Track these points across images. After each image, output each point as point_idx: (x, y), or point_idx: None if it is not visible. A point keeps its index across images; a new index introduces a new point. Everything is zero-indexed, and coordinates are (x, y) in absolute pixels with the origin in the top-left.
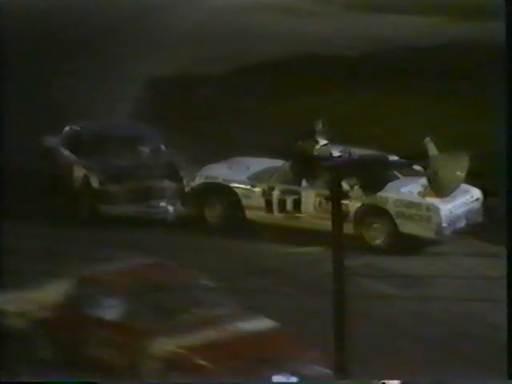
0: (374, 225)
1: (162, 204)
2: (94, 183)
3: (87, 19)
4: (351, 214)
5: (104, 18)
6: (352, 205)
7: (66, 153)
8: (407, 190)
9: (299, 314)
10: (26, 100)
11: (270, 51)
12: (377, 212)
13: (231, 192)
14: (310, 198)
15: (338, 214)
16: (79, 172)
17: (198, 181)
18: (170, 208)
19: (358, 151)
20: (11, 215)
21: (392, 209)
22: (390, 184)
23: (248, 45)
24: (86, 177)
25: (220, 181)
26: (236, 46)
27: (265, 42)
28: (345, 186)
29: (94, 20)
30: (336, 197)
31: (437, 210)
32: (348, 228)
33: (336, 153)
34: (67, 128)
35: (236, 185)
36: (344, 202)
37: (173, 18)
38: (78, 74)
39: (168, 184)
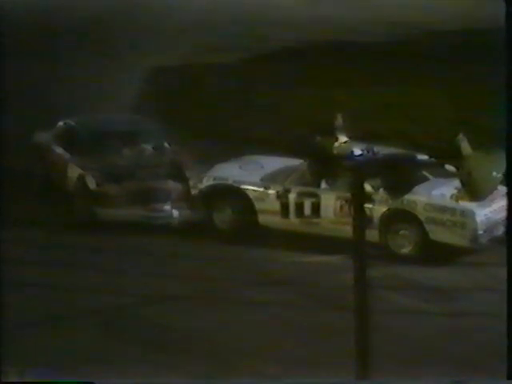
0: (401, 232)
1: (166, 207)
2: (91, 184)
3: (84, 7)
4: (375, 220)
5: (102, 4)
6: (376, 209)
7: (60, 150)
8: (439, 192)
9: (316, 329)
10: (13, 93)
11: (284, 38)
12: (404, 217)
13: (243, 194)
14: (330, 201)
15: (360, 220)
16: (74, 172)
17: (206, 182)
18: (175, 212)
19: (382, 149)
20: None
21: (422, 214)
22: (419, 186)
23: (260, 31)
24: (81, 177)
25: (230, 182)
26: (247, 32)
27: (279, 28)
28: (368, 187)
29: (91, 7)
30: (358, 200)
31: (472, 215)
32: (372, 235)
33: (358, 151)
34: (61, 123)
35: (248, 187)
36: (367, 205)
37: (176, 1)
38: (73, 65)
39: (172, 185)
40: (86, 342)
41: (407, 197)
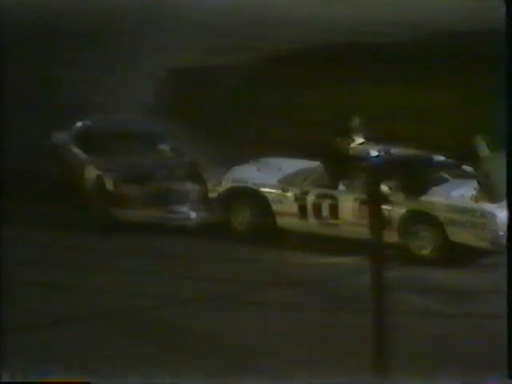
0: (421, 233)
1: (184, 209)
2: (109, 185)
3: (99, 9)
4: (394, 221)
5: (117, 6)
6: (395, 210)
7: (77, 151)
8: (458, 193)
9: (333, 331)
10: (30, 94)
11: (298, 39)
12: (423, 219)
13: (261, 197)
14: (348, 203)
15: (377, 221)
16: (92, 172)
17: (225, 184)
18: (193, 213)
19: (399, 150)
20: (13, 221)
21: (441, 215)
22: (437, 187)
23: (274, 32)
24: (99, 178)
25: (249, 184)
26: (261, 33)
27: (293, 28)
28: (384, 189)
29: (106, 9)
30: (374, 201)
31: (493, 216)
32: (391, 236)
33: (374, 152)
34: (78, 123)
35: (266, 189)
36: (385, 207)
37: (189, 3)
38: (90, 66)
39: (190, 187)
40: (104, 343)
41: (425, 198)
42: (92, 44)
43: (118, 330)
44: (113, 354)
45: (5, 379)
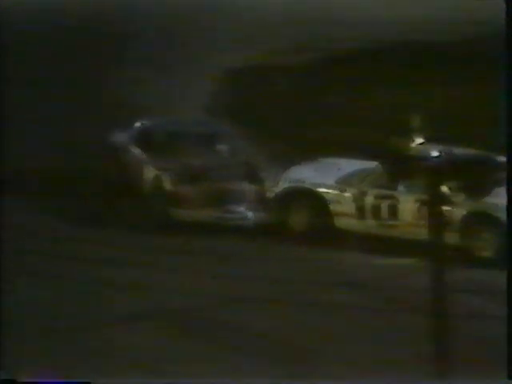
0: (483, 235)
1: (241, 209)
2: (167, 185)
3: (159, 7)
4: (455, 222)
5: (176, 5)
6: (456, 212)
7: (136, 151)
8: None
9: (391, 333)
10: (88, 94)
11: (357, 38)
12: (485, 220)
13: (319, 197)
14: (408, 203)
15: (437, 222)
16: (150, 172)
17: (282, 185)
18: (250, 213)
19: (460, 151)
20: (73, 220)
21: (504, 216)
22: (501, 188)
23: (333, 31)
24: (157, 178)
25: (306, 184)
26: (320, 32)
27: (352, 27)
28: (445, 189)
29: (166, 7)
30: (435, 202)
31: None
32: (451, 238)
33: (435, 152)
34: (137, 124)
35: (324, 189)
36: (446, 208)
37: (252, 3)
38: (150, 67)
39: (247, 187)
40: (162, 342)
41: (488, 199)
42: (153, 44)
43: (173, 329)
44: (169, 353)
45: (5, 379)
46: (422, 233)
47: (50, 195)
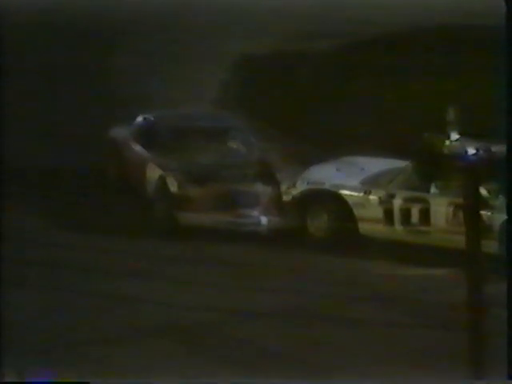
0: None
1: (255, 213)
2: (172, 186)
3: None
4: (495, 229)
5: None
6: (496, 216)
7: (138, 148)
8: None
9: (421, 352)
10: (85, 87)
11: (386, 22)
12: None
13: (341, 200)
14: (441, 207)
15: (475, 228)
16: (154, 172)
17: (300, 186)
18: (264, 218)
19: (499, 148)
20: (68, 224)
21: None
22: None
23: (359, 14)
24: (162, 178)
25: (327, 186)
26: (344, 16)
27: (380, 10)
28: (483, 191)
29: None
30: (472, 206)
31: None
32: (490, 246)
33: (472, 150)
34: (139, 118)
35: (347, 191)
36: (485, 212)
37: None
38: (153, 54)
39: (261, 188)
40: (163, 358)
41: None
42: (156, 31)
43: (180, 343)
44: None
45: (5, 379)
46: (458, 240)
47: (38, 197)
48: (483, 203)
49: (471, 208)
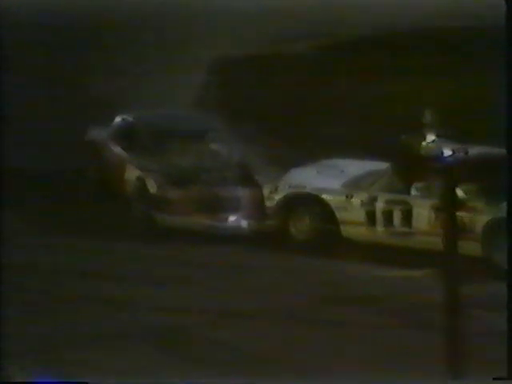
0: (505, 244)
1: (235, 216)
2: (151, 188)
3: None
4: (477, 231)
5: None
6: (478, 219)
7: (117, 149)
8: None
9: (401, 352)
10: (65, 87)
11: (366, 24)
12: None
13: (322, 203)
14: (423, 209)
15: (453, 229)
16: (132, 173)
17: (281, 189)
18: (244, 222)
19: (476, 149)
20: (46, 226)
21: None
22: None
23: (339, 16)
24: (140, 179)
25: (308, 189)
26: (325, 18)
27: (360, 12)
28: (460, 193)
29: None
30: (449, 208)
31: None
32: (472, 248)
33: (448, 151)
34: (118, 119)
35: (328, 194)
36: (465, 215)
37: None
38: (132, 56)
39: (242, 191)
40: (142, 363)
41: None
42: (135, 32)
43: (161, 349)
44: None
45: (4, 379)
46: (439, 242)
47: (14, 199)
48: (460, 204)
49: (448, 209)
